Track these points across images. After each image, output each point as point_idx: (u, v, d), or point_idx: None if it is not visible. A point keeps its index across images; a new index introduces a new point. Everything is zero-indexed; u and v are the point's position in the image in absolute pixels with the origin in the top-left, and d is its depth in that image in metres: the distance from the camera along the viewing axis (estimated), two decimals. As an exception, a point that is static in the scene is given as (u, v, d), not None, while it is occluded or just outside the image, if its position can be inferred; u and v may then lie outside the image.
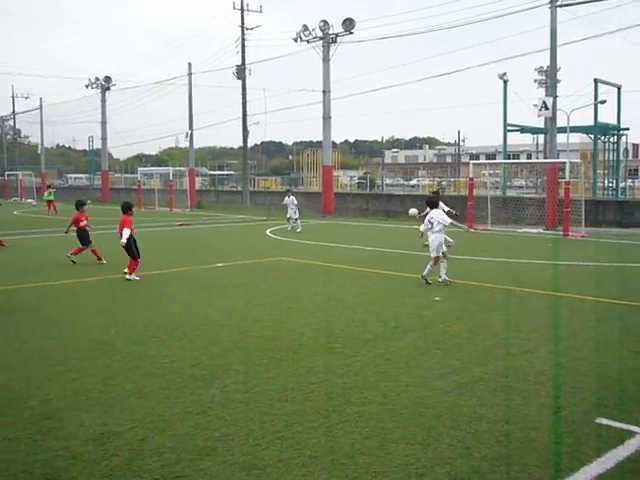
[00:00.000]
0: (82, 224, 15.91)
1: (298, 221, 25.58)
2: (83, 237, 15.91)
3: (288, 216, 25.98)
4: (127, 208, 13.76)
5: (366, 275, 14.11)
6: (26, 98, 72.45)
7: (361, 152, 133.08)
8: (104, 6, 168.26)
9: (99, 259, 15.71)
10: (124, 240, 13.19)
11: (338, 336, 8.61)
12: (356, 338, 8.54)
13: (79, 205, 16.34)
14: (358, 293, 11.93)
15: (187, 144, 49.08)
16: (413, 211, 14.87)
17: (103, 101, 54.84)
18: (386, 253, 18.25)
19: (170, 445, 5.17)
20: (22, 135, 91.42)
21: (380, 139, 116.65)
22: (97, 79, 54.32)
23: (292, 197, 26.04)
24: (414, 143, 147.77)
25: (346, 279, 13.61)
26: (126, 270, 13.34)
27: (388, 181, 71.50)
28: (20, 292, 12.19)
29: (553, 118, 27.92)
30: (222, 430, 5.45)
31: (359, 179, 65.15)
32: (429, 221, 12.82)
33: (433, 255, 12.56)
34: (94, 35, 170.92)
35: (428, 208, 14.49)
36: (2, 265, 15.84)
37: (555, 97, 27.85)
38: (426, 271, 12.50)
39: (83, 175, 79.40)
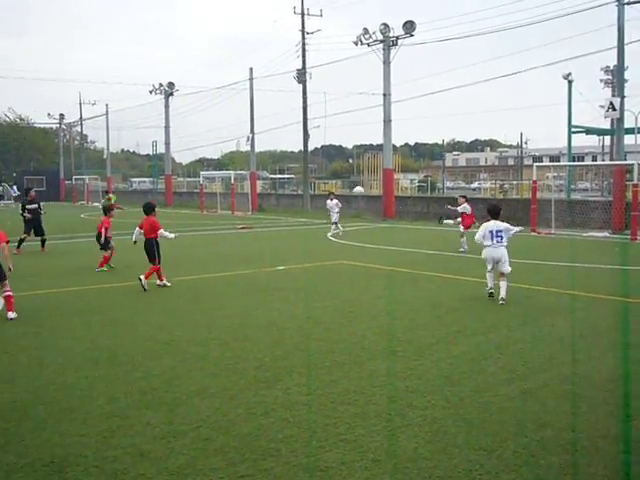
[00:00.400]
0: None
1: (338, 225, 25.43)
2: (103, 241, 15.95)
3: (333, 220, 25.79)
4: (151, 209, 13.36)
5: (427, 278, 14.02)
6: (93, 104, 74.23)
7: (421, 155, 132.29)
8: (168, 14, 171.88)
9: (101, 265, 15.58)
10: (173, 235, 13.33)
11: (400, 339, 8.59)
12: (418, 342, 8.50)
13: (108, 210, 16.63)
14: (419, 297, 11.86)
15: (248, 148, 49.65)
16: None
17: (166, 106, 55.94)
18: (447, 257, 18.09)
19: (234, 445, 5.24)
20: (89, 140, 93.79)
21: (441, 142, 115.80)
22: (161, 85, 55.49)
23: (335, 200, 25.82)
24: (475, 146, 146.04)
25: (407, 282, 13.56)
26: (141, 277, 12.72)
27: (449, 184, 70.91)
28: (87, 293, 12.52)
29: (620, 119, 27.22)
30: (285, 432, 5.50)
31: (419, 182, 64.77)
32: (492, 232, 11.13)
33: (509, 270, 11.08)
34: (158, 42, 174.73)
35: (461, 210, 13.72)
36: (69, 267, 16.31)
37: (622, 97, 27.15)
38: (504, 292, 10.87)
39: (147, 179, 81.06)
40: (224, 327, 9.44)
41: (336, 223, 25.45)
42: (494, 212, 11.44)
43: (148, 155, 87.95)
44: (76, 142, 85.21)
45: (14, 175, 74.07)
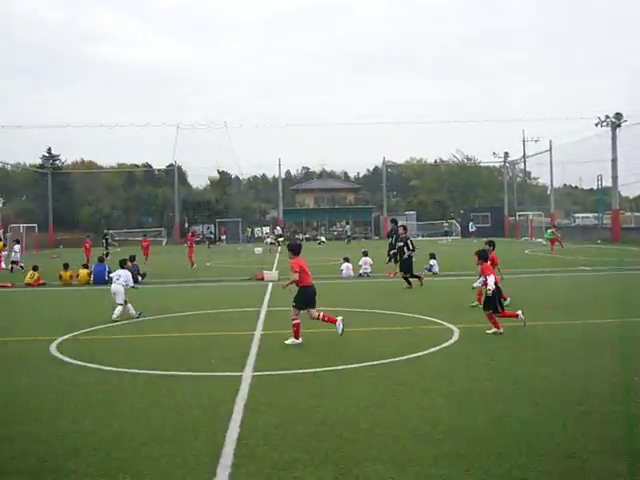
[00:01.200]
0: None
1: None
2: None
3: None
4: (485, 257, 12.54)
5: None
6: (535, 141, 74.96)
7: None
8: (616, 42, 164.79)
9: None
10: (492, 286, 11.93)
11: None
12: None
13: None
14: None
15: None
16: None
17: (613, 139, 53.66)
18: None
19: None
20: (531, 177, 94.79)
21: None
22: (607, 117, 53.54)
23: None
24: None
25: None
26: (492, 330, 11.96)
27: None
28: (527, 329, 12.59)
29: None
30: None
31: None
32: None
33: None
34: (605, 73, 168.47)
35: None
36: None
37: None
38: None
39: (590, 214, 78.57)
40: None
41: None
42: None
43: (591, 189, 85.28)
44: (519, 178, 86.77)
45: (461, 212, 78.61)
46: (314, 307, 11.63)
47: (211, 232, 72.75)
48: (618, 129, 53.58)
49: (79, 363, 10.21)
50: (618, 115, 53.40)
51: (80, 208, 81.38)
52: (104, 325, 14.10)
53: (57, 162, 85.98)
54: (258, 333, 12.64)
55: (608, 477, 5.37)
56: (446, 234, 68.33)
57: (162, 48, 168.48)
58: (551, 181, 68.81)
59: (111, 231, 52.70)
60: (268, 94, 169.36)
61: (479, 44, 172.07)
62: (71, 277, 24.71)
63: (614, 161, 53.88)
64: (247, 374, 9.23)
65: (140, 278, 23.84)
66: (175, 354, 10.90)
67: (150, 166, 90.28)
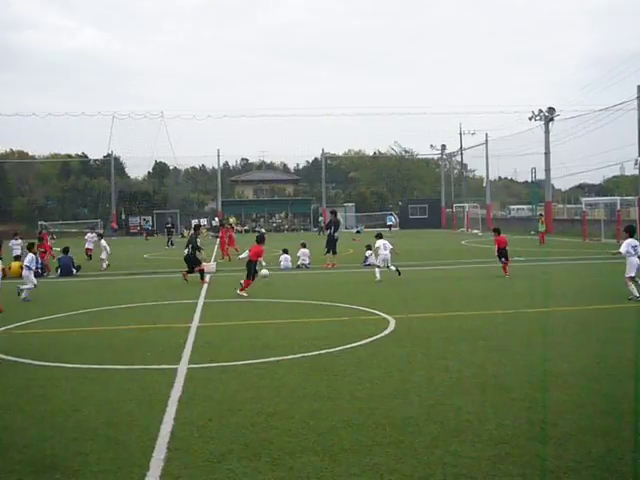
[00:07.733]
0: None
1: None
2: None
3: None
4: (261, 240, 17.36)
5: None
6: (472, 134, 76.26)
7: None
8: (533, 41, 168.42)
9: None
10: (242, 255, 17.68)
11: None
12: None
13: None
14: None
15: (635, 171, 46.33)
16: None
17: (546, 132, 54.95)
18: None
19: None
20: (468, 169, 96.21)
21: None
22: (540, 111, 54.77)
23: None
24: None
25: None
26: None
27: None
28: (465, 319, 12.84)
29: None
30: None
31: None
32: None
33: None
34: (527, 68, 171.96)
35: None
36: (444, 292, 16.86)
37: None
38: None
39: (525, 206, 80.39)
40: (616, 363, 8.90)
41: None
42: None
43: (526, 182, 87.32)
44: (456, 171, 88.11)
45: (399, 204, 79.41)
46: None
47: (149, 224, 71.49)
48: (551, 123, 54.89)
49: (10, 358, 9.94)
50: (551, 109, 54.72)
51: (13, 199, 78.94)
52: (37, 319, 13.78)
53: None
54: (195, 325, 12.53)
55: (536, 461, 5.52)
56: (389, 226, 68.06)
57: (92, 39, 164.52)
58: (487, 174, 70.03)
59: (45, 223, 51.41)
60: (202, 86, 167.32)
61: (414, 39, 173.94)
62: (3, 270, 23.99)
63: (547, 154, 55.22)
64: (182, 367, 9.15)
65: (75, 271, 23.52)
66: (110, 347, 10.74)
67: (86, 156, 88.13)
